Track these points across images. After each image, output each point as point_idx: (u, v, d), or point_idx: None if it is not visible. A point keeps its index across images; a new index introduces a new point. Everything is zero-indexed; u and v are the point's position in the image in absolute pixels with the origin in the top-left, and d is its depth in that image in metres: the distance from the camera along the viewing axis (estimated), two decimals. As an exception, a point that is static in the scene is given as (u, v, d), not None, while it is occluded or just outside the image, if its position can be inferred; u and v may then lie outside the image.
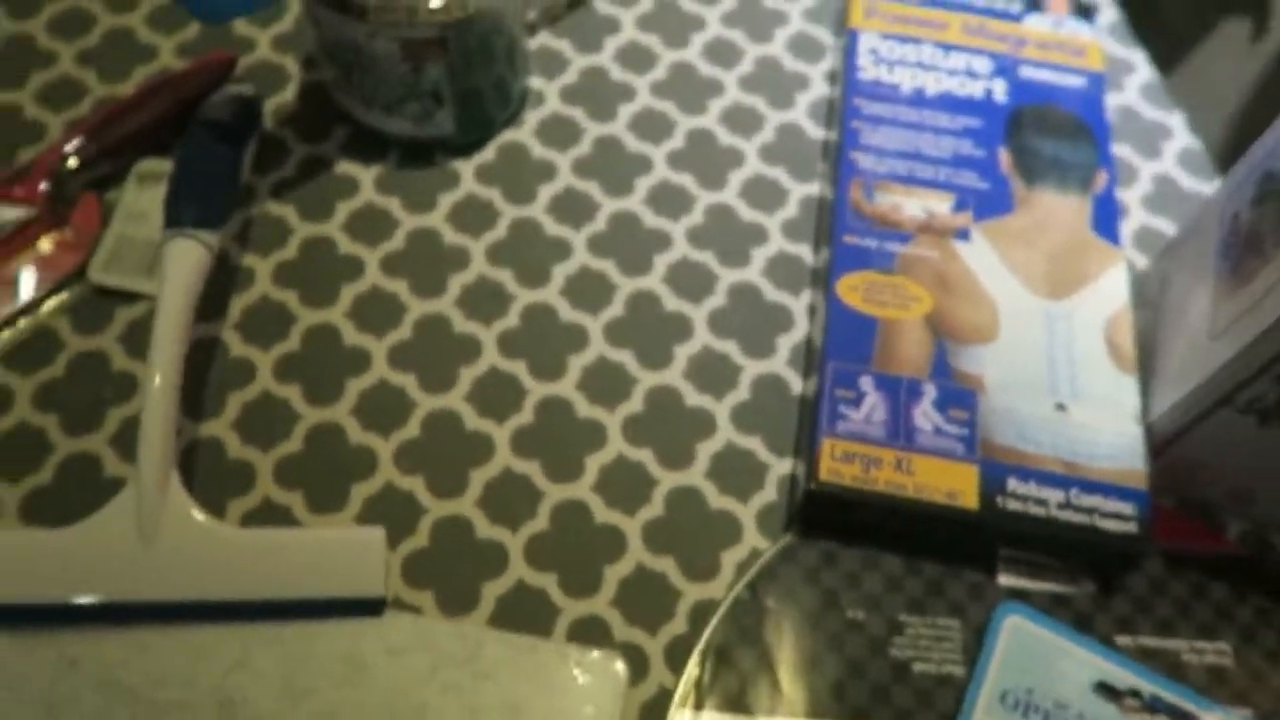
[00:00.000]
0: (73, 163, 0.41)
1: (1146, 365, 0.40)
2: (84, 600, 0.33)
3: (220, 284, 0.41)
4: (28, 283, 0.40)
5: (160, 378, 0.34)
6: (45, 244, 0.40)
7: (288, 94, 0.46)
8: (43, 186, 0.41)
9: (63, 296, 0.40)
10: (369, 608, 0.34)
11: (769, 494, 0.39)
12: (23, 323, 0.39)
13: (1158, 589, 0.37)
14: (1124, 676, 0.35)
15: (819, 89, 0.49)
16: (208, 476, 0.37)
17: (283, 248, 0.42)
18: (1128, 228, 0.46)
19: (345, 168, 0.44)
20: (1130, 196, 0.47)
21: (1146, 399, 0.39)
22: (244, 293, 0.41)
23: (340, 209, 0.43)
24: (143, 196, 0.42)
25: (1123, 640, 0.36)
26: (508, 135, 0.46)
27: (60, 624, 0.33)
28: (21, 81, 0.45)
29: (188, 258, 0.36)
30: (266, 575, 0.34)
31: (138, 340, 0.39)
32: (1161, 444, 0.38)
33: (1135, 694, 0.35)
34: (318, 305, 0.41)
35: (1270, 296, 0.33)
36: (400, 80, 0.41)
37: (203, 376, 0.39)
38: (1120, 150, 0.48)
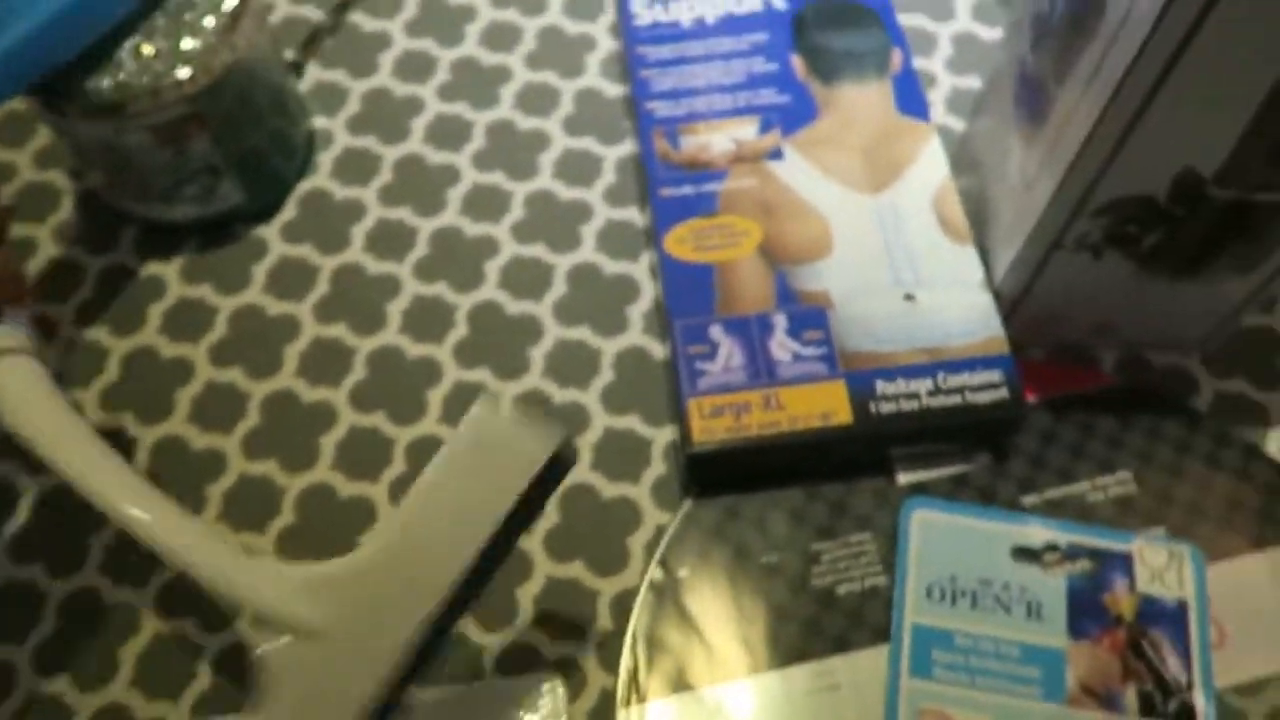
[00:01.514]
0: None
1: (981, 231, 0.40)
2: None
3: (49, 428, 0.39)
4: None
5: (133, 506, 0.29)
6: None
7: (64, 211, 0.44)
8: None
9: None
10: None
11: (658, 468, 0.38)
12: None
13: (1048, 440, 0.38)
14: (1037, 533, 0.36)
15: (606, 45, 0.48)
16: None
17: (103, 372, 0.40)
18: (939, 95, 0.46)
19: (146, 269, 0.42)
20: (934, 64, 0.47)
21: (989, 264, 0.39)
22: (76, 430, 0.39)
23: (153, 313, 0.41)
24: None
25: (1029, 500, 0.37)
26: (304, 185, 0.44)
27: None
28: None
29: (19, 372, 0.31)
30: None
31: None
32: (1013, 303, 0.38)
33: (1053, 547, 0.35)
34: (155, 420, 0.39)
35: (1063, 136, 0.33)
36: (166, 167, 0.39)
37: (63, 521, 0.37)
38: (912, 21, 0.48)
